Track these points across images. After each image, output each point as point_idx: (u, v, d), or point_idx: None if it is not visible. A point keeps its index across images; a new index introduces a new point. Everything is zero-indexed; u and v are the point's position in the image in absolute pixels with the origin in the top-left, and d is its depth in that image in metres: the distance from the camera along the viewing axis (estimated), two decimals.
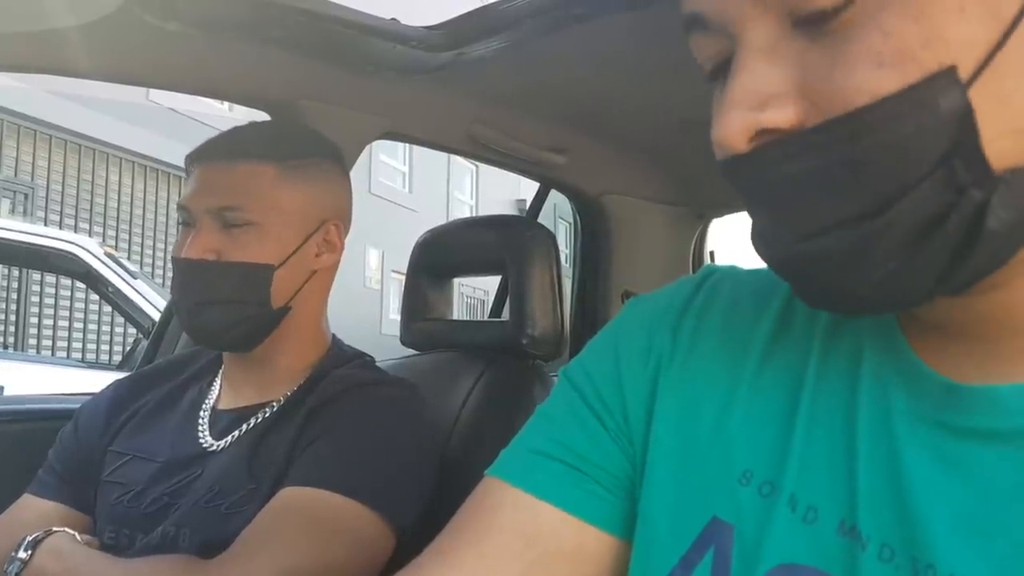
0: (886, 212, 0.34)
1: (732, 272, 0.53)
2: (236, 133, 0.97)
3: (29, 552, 0.84)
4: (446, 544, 0.50)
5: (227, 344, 0.95)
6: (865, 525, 0.39)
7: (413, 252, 1.34)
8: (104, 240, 6.38)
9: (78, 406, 1.07)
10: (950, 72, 0.32)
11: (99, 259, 3.27)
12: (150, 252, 7.63)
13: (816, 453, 0.42)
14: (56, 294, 6.56)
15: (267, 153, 0.93)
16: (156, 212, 7.76)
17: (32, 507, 0.96)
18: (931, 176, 0.33)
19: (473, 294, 13.93)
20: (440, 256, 1.34)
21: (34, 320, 6.42)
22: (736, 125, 0.36)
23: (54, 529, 0.87)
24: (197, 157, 0.95)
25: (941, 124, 0.33)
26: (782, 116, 0.35)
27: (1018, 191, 0.33)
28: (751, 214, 0.41)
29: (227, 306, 0.90)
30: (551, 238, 1.22)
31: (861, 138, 0.34)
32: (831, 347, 0.45)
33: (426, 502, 0.90)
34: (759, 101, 0.36)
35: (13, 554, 0.85)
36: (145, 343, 1.69)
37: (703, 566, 0.44)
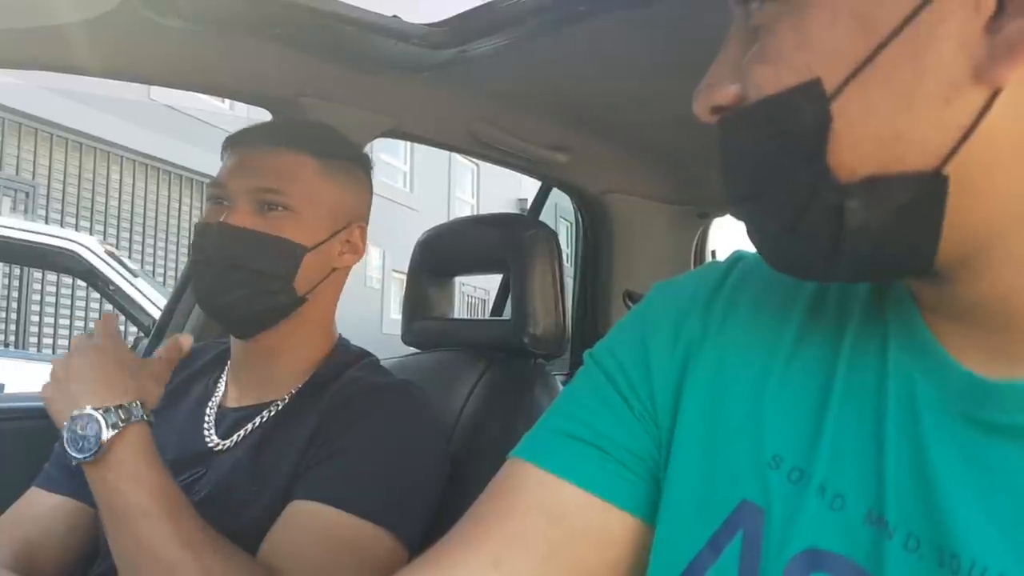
0: (763, 197, 0.41)
1: (762, 258, 0.53)
2: (277, 125, 1.00)
3: (100, 450, 0.73)
4: (470, 526, 0.50)
5: (242, 319, 0.93)
6: (892, 515, 0.40)
7: (414, 251, 1.34)
8: (105, 238, 6.38)
9: None
10: (815, 84, 0.37)
11: (100, 257, 3.27)
12: (151, 250, 7.63)
13: (847, 442, 0.43)
14: (57, 292, 6.57)
15: (310, 146, 0.95)
16: (157, 210, 7.75)
17: (41, 501, 0.96)
18: (794, 173, 0.38)
19: (474, 293, 13.93)
20: (441, 255, 1.33)
21: (35, 318, 6.43)
22: (698, 101, 0.42)
23: (134, 421, 0.76)
24: (238, 141, 0.96)
25: (804, 130, 0.37)
26: (721, 95, 0.41)
27: (876, 198, 0.37)
28: None
29: (256, 276, 0.90)
30: (553, 237, 1.22)
31: (755, 128, 0.40)
32: (862, 336, 0.45)
33: (434, 510, 0.90)
34: (712, 83, 0.42)
35: (79, 433, 0.73)
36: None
37: (731, 548, 0.44)
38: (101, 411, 0.75)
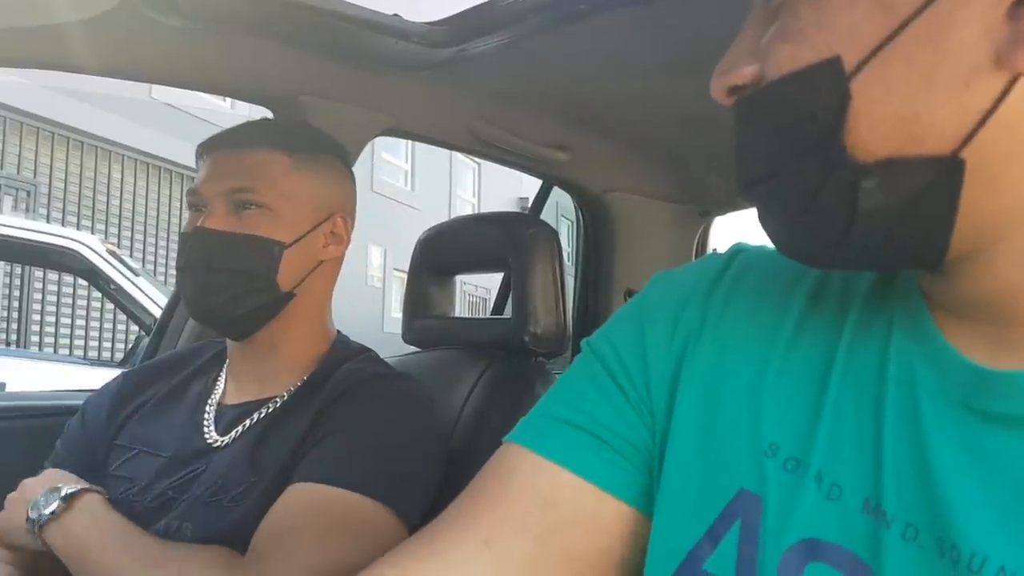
0: (777, 177, 0.41)
1: (762, 251, 0.53)
2: (248, 125, 1.00)
3: (60, 506, 0.82)
4: (463, 506, 0.51)
5: (231, 321, 0.94)
6: (890, 504, 0.40)
7: (415, 249, 1.34)
8: (106, 237, 6.39)
9: (80, 402, 1.06)
10: (835, 62, 0.37)
11: (101, 256, 3.27)
12: (152, 249, 7.64)
13: (844, 431, 0.43)
14: (58, 291, 6.57)
15: (280, 143, 0.95)
16: (158, 209, 7.76)
17: None
18: (811, 151, 0.38)
19: (475, 292, 13.94)
20: (442, 253, 1.33)
21: (36, 317, 6.43)
22: (715, 82, 0.43)
23: (88, 487, 0.86)
24: (210, 146, 0.96)
25: (822, 108, 0.37)
26: (738, 75, 0.42)
27: (892, 180, 0.37)
28: None
29: (236, 276, 0.91)
30: (554, 235, 1.22)
31: (772, 107, 0.40)
32: (862, 327, 0.45)
33: (433, 494, 0.90)
34: (730, 64, 0.42)
35: (41, 501, 0.82)
36: (147, 340, 1.69)
37: (729, 538, 0.44)
38: (62, 485, 0.85)
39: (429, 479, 0.90)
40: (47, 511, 0.82)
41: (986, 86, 0.34)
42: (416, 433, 0.91)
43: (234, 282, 0.91)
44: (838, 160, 0.37)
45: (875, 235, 0.38)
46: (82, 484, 0.86)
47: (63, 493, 0.83)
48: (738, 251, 0.54)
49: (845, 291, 0.48)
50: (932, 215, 0.37)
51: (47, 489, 0.84)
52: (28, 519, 0.82)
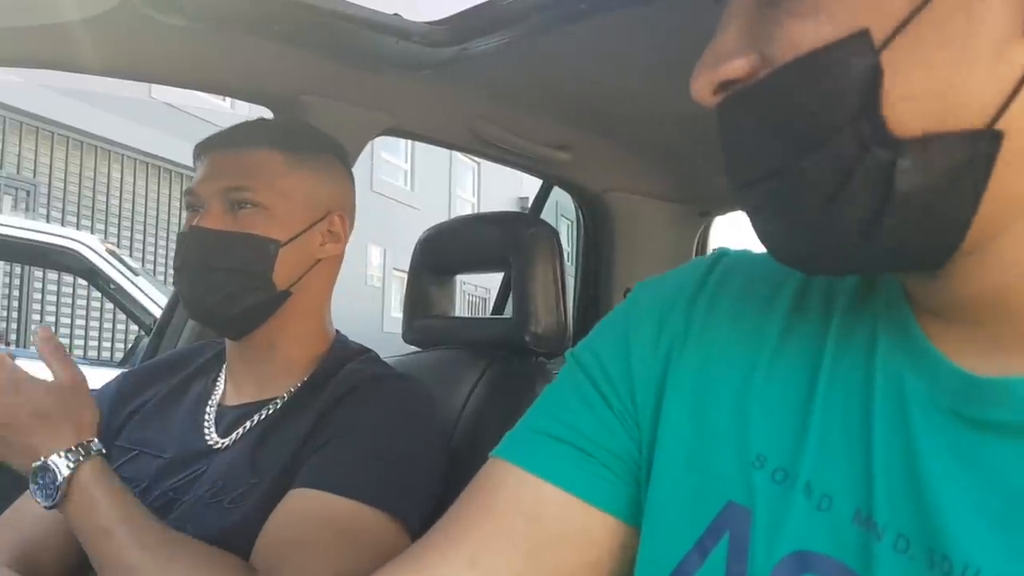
0: (791, 171, 0.37)
1: (744, 255, 0.53)
2: (245, 125, 1.00)
3: (63, 489, 0.76)
4: (449, 524, 0.50)
5: (229, 319, 0.93)
6: (881, 515, 0.39)
7: (415, 249, 1.34)
8: (106, 237, 6.39)
9: None
10: (863, 35, 0.35)
11: (101, 256, 3.27)
12: (151, 249, 7.64)
13: (833, 441, 0.42)
14: (58, 291, 6.58)
15: (276, 142, 0.95)
16: (158, 209, 7.76)
17: None
18: (839, 134, 0.36)
19: (475, 292, 13.93)
20: (442, 253, 1.33)
21: (36, 317, 6.43)
22: (700, 80, 0.40)
23: (88, 456, 0.78)
24: (207, 146, 0.96)
25: (853, 84, 0.35)
26: (732, 68, 0.39)
27: (930, 156, 0.35)
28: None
29: (232, 275, 0.91)
30: (554, 235, 1.22)
31: (786, 92, 0.37)
32: (847, 333, 0.45)
33: (434, 495, 0.90)
34: (719, 58, 0.40)
35: (40, 487, 0.76)
36: (147, 340, 1.69)
37: (718, 551, 0.43)
38: (55, 457, 0.77)
39: (430, 482, 0.90)
40: (48, 501, 0.77)
41: (1016, 56, 0.34)
42: (417, 435, 0.91)
43: (230, 280, 0.91)
44: (875, 138, 0.35)
45: (905, 223, 0.36)
46: (84, 442, 0.79)
47: (60, 479, 0.77)
48: (721, 255, 0.53)
49: (828, 294, 0.47)
50: (960, 197, 0.35)
51: (39, 465, 0.77)
52: (32, 493, 0.78)
